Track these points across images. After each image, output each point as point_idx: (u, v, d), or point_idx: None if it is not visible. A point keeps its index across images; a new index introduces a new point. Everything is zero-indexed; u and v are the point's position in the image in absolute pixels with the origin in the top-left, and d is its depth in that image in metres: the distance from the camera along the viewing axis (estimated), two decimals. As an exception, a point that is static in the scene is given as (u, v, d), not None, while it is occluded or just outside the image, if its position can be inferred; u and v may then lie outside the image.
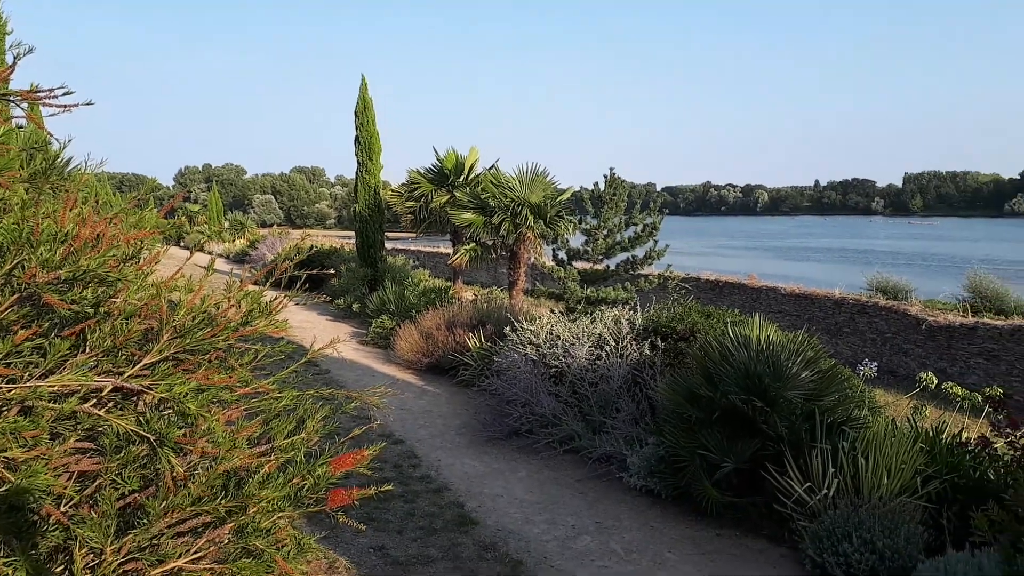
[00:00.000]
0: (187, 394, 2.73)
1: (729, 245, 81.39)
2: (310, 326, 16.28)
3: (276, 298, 3.69)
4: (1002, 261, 50.40)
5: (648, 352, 8.76)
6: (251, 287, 3.57)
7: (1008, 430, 5.63)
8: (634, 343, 9.03)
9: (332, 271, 20.13)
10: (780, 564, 5.74)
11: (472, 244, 14.55)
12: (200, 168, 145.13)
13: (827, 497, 5.69)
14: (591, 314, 10.41)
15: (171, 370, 2.96)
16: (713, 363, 6.88)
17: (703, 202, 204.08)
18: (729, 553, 5.92)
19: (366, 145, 17.65)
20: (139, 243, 3.23)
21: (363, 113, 17.60)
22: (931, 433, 6.43)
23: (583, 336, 9.42)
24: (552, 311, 11.56)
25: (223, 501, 2.72)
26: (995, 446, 5.88)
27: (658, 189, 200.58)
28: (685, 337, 8.60)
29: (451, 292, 15.88)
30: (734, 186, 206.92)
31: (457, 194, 14.93)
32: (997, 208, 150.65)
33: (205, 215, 51.08)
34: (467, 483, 7.34)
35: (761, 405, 6.35)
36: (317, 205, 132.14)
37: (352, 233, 19.48)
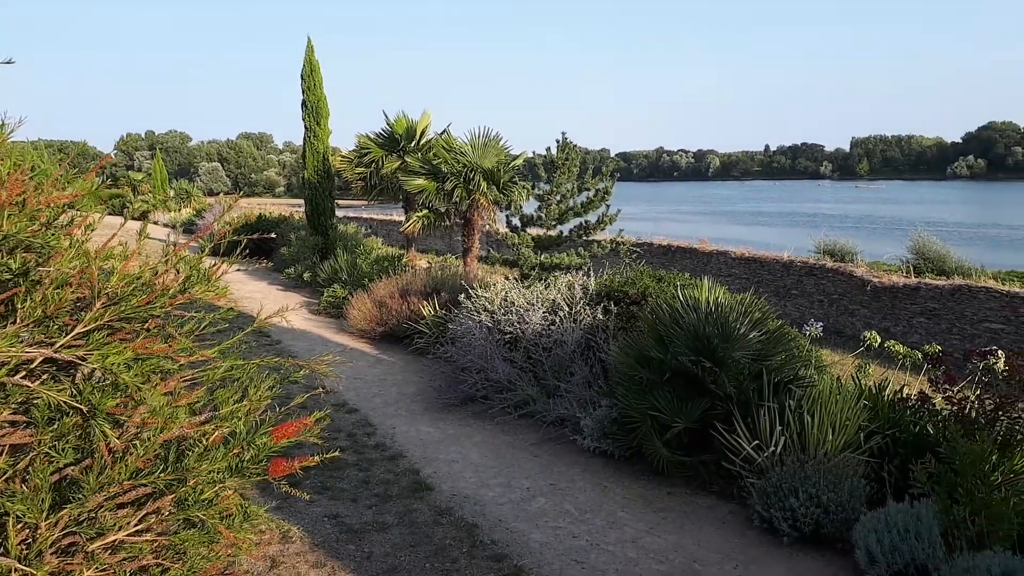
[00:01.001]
0: (122, 364, 2.63)
1: (681, 210, 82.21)
2: (260, 296, 16.00)
3: (216, 264, 3.58)
4: (945, 223, 51.95)
5: (601, 316, 8.82)
6: (188, 253, 3.45)
7: (946, 386, 5.82)
8: (587, 308, 9.07)
9: (272, 236, 19.73)
10: (729, 520, 5.87)
11: (425, 211, 14.38)
12: (143, 135, 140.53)
13: (774, 454, 5.82)
14: (545, 280, 10.42)
15: (106, 339, 2.85)
16: (664, 326, 6.95)
17: (656, 168, 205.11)
18: (680, 510, 6.04)
19: (313, 110, 17.23)
20: (68, 208, 3.09)
21: (310, 77, 17.15)
22: (874, 390, 6.61)
23: (537, 302, 9.43)
24: (507, 278, 11.55)
25: (162, 473, 2.65)
26: (934, 401, 6.07)
27: (612, 155, 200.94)
28: (637, 301, 8.67)
29: (405, 260, 15.73)
30: (686, 151, 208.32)
31: (409, 160, 14.70)
32: (940, 171, 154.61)
33: (149, 184, 49.59)
34: (422, 450, 7.33)
35: (710, 366, 6.45)
36: (265, 172, 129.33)
37: (302, 201, 19.10)
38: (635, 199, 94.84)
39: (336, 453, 3.74)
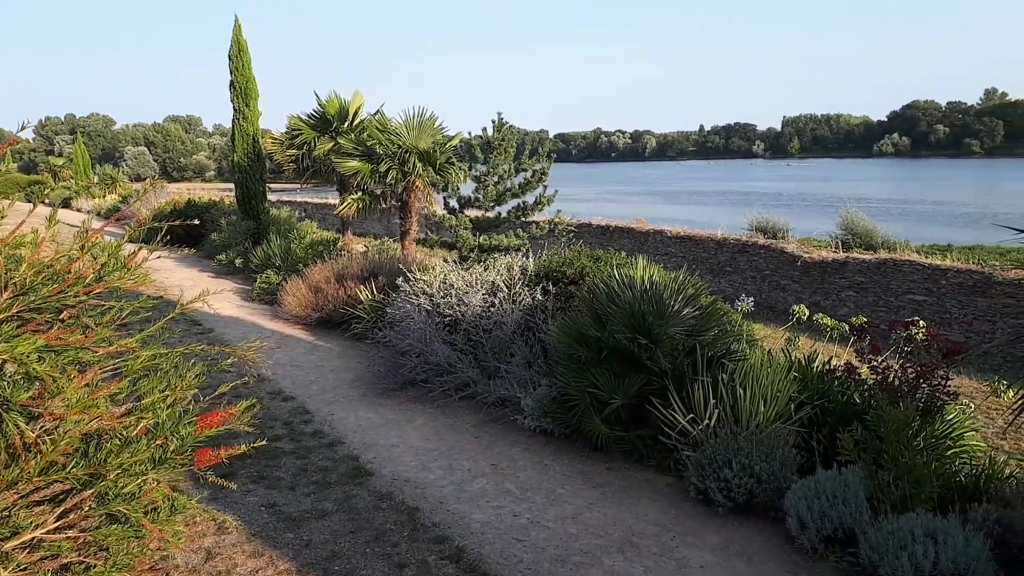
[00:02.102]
0: (33, 354, 2.50)
1: (619, 190, 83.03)
2: (190, 283, 15.55)
3: (135, 251, 3.44)
4: (873, 200, 53.76)
5: (540, 297, 8.85)
6: (110, 239, 3.31)
7: (871, 356, 6.02)
8: (527, 289, 9.09)
9: (198, 222, 19.16)
10: (666, 492, 5.99)
11: (360, 193, 14.14)
12: (63, 119, 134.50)
13: (709, 427, 5.95)
14: (484, 262, 10.39)
15: (15, 331, 2.71)
16: (601, 304, 7.02)
17: (594, 148, 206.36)
18: (618, 485, 6.13)
19: (242, 91, 16.73)
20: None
21: (238, 57, 16.64)
22: (804, 362, 6.81)
23: (477, 284, 9.40)
24: (445, 260, 11.48)
25: (78, 467, 2.54)
26: (860, 372, 6.28)
27: (551, 136, 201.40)
28: (575, 281, 8.72)
29: (340, 244, 15.47)
30: (623, 132, 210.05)
31: (342, 141, 14.41)
32: (867, 149, 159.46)
33: (71, 169, 47.52)
34: (362, 435, 7.26)
35: (646, 342, 6.54)
36: (195, 156, 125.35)
37: (233, 185, 18.58)
38: (574, 180, 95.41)
39: (263, 442, 3.66)
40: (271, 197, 21.41)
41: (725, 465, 5.61)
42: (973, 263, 14.78)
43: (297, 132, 16.76)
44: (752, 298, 8.03)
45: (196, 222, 18.64)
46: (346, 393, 8.60)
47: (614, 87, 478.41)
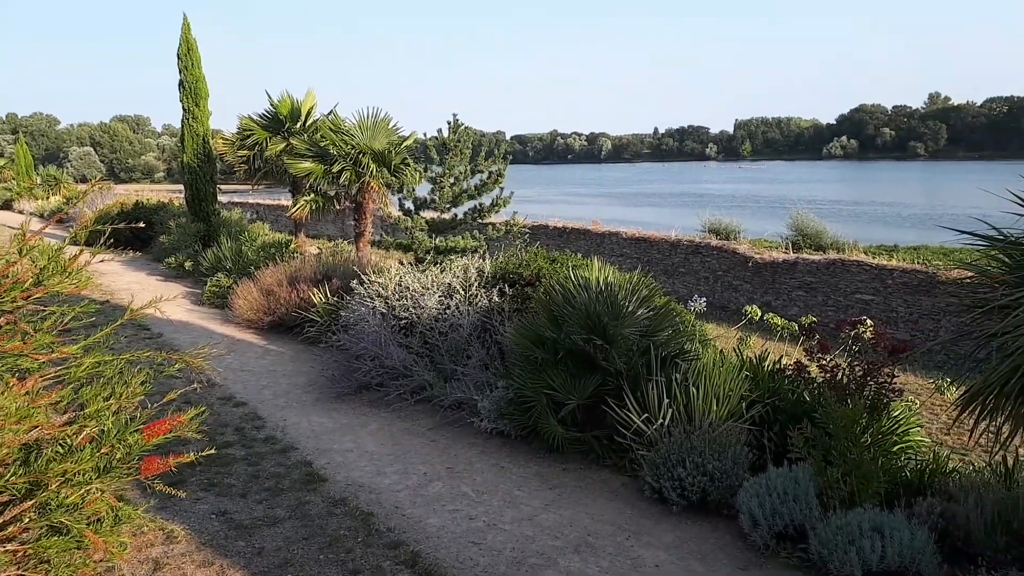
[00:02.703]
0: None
1: (576, 192, 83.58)
2: (138, 287, 15.17)
3: (77, 253, 3.33)
4: (823, 201, 55.00)
5: (497, 299, 8.84)
6: (53, 242, 3.20)
7: (820, 355, 6.15)
8: (483, 290, 9.07)
9: (142, 224, 18.74)
10: (622, 492, 6.03)
11: (313, 195, 13.96)
12: (4, 118, 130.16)
13: (663, 426, 6.01)
14: (440, 264, 10.34)
15: (-54, 338, 2.61)
16: (557, 306, 7.04)
17: (551, 150, 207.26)
18: (574, 486, 6.15)
19: (191, 90, 16.39)
20: None
21: (187, 56, 16.30)
22: (755, 361, 6.93)
23: (433, 286, 9.35)
24: (401, 262, 11.39)
25: (17, 477, 2.45)
26: (809, 370, 6.40)
27: (508, 137, 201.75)
28: (532, 282, 8.74)
29: (293, 246, 15.24)
30: (580, 134, 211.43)
31: (294, 142, 14.23)
32: (817, 151, 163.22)
33: (12, 170, 45.96)
34: (315, 441, 7.15)
35: (601, 343, 6.58)
36: (143, 157, 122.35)
37: (182, 186, 18.19)
38: (532, 182, 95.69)
39: (212, 450, 3.57)
40: (222, 199, 21.04)
41: (679, 464, 5.67)
42: (918, 263, 15.24)
43: (248, 132, 16.49)
44: (705, 298, 8.14)
45: (142, 225, 18.17)
46: (299, 398, 8.47)
47: (571, 89, 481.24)
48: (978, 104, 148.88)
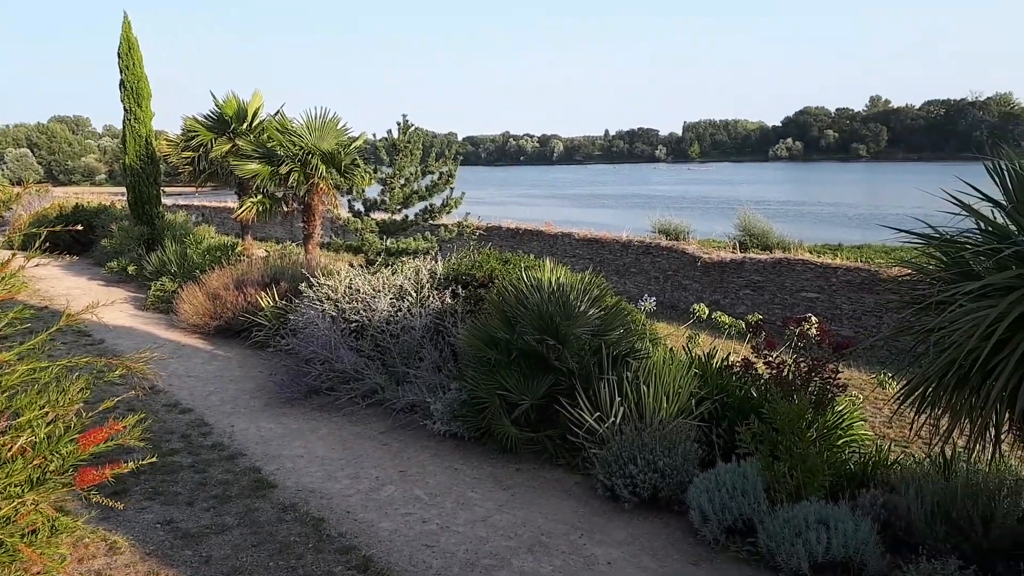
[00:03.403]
0: None
1: (529, 194, 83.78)
2: (79, 292, 14.71)
3: (9, 258, 3.21)
4: (770, 202, 56.16)
5: (450, 300, 8.80)
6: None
7: (766, 352, 6.27)
8: (436, 292, 9.02)
9: (80, 227, 18.21)
10: (575, 491, 6.05)
11: (259, 196, 13.71)
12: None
13: (615, 424, 6.05)
14: (392, 265, 10.25)
15: None
16: (510, 307, 7.04)
17: (503, 152, 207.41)
18: (528, 486, 6.15)
19: (133, 90, 15.96)
20: None
21: (128, 55, 15.86)
22: (704, 359, 7.03)
23: (384, 288, 9.26)
24: (351, 264, 11.27)
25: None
26: (756, 367, 6.52)
27: (460, 139, 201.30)
28: (484, 284, 8.72)
29: (240, 249, 14.94)
30: (532, 136, 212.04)
31: (240, 143, 13.94)
32: (763, 153, 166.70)
33: (-57, 173, 44.16)
34: (264, 447, 7.02)
35: (554, 343, 6.60)
36: (84, 159, 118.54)
37: (125, 189, 17.68)
38: (484, 183, 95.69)
39: (154, 459, 3.47)
40: (166, 201, 20.53)
41: (630, 461, 5.71)
42: (861, 261, 15.67)
43: (193, 133, 16.12)
44: (654, 298, 8.23)
45: (79, 227, 17.63)
46: (247, 403, 8.31)
47: (523, 91, 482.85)
48: (916, 107, 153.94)
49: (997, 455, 4.60)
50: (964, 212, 4.63)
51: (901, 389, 4.82)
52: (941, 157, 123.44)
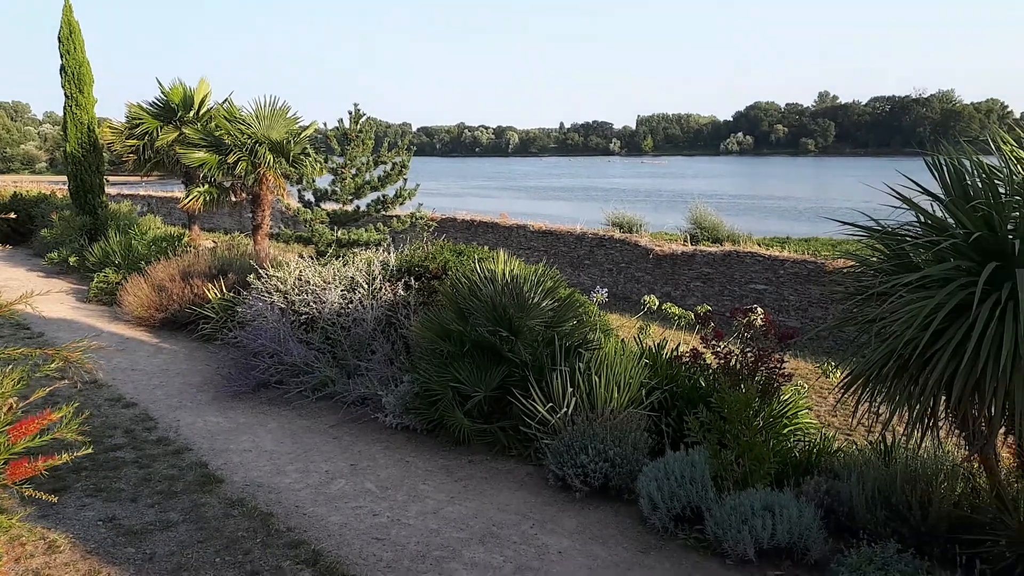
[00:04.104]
0: None
1: (485, 186, 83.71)
2: (17, 284, 14.23)
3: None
4: (723, 195, 57.04)
5: (402, 292, 8.72)
6: None
7: (714, 342, 6.36)
8: (388, 284, 8.93)
9: (15, 216, 17.67)
10: (527, 481, 6.07)
11: (207, 186, 13.39)
12: None
13: (567, 415, 6.08)
14: (343, 257, 10.12)
15: None
16: (463, 298, 7.02)
17: (458, 143, 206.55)
18: (480, 477, 6.15)
19: (75, 76, 15.45)
20: None
21: (69, 39, 15.34)
22: (654, 350, 7.10)
23: (335, 280, 9.15)
24: (301, 256, 11.10)
25: None
26: (705, 357, 6.61)
27: (414, 129, 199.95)
28: (438, 275, 8.66)
29: (187, 240, 14.60)
30: (487, 127, 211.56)
31: (187, 131, 13.58)
32: (715, 147, 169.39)
33: None
34: (211, 441, 6.88)
35: (507, 335, 6.60)
36: (23, 146, 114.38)
37: (66, 177, 17.12)
38: (439, 175, 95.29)
39: (90, 450, 3.37)
40: (110, 190, 19.98)
41: (582, 451, 5.74)
42: (808, 254, 16.02)
43: (138, 121, 15.65)
44: (606, 289, 8.27)
45: (13, 215, 17.08)
46: (194, 397, 8.13)
47: (478, 83, 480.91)
48: (863, 103, 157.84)
49: (935, 441, 4.75)
50: (905, 206, 4.75)
51: (844, 378, 4.93)
52: (887, 152, 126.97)
